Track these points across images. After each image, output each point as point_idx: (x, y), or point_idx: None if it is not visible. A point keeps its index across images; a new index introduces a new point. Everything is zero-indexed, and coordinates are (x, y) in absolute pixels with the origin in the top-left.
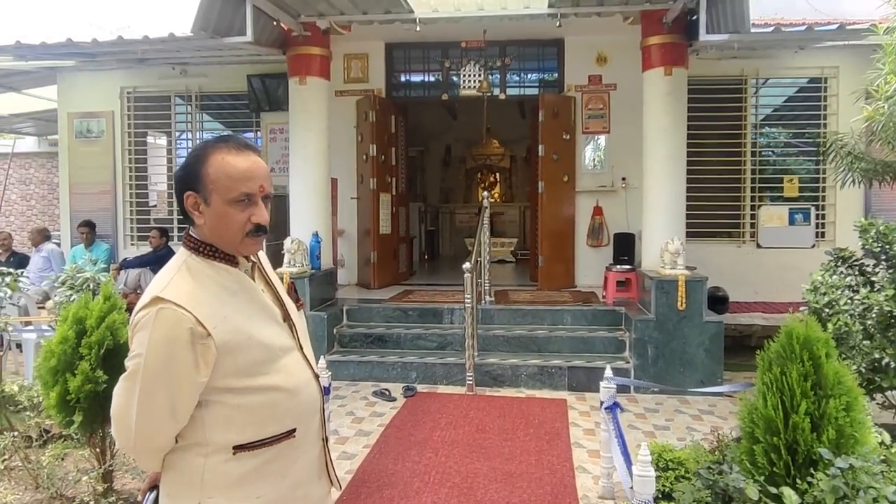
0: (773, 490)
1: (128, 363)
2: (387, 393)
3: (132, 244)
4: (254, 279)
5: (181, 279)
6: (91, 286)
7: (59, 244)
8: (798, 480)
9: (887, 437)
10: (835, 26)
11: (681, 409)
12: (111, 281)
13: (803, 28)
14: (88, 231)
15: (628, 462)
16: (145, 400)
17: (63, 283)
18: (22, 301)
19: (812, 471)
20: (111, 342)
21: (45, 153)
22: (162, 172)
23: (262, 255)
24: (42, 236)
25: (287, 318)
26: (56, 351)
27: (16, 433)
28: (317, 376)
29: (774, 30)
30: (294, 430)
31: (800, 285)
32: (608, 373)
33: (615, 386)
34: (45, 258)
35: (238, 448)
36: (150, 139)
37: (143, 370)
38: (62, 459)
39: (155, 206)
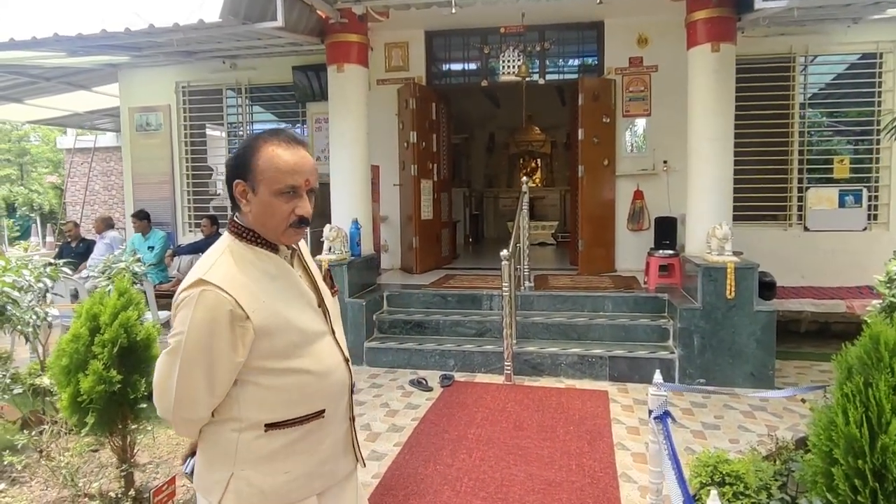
0: None
1: (170, 339)
2: (424, 382)
3: (190, 231)
4: (292, 265)
5: (224, 263)
6: (128, 276)
7: (123, 230)
8: None
9: None
10: None
11: (730, 404)
12: (128, 276)
13: None
14: (139, 221)
15: (683, 486)
16: (184, 375)
17: (102, 273)
18: (74, 288)
19: None
20: (125, 340)
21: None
22: (222, 163)
23: (302, 241)
24: (105, 224)
25: (322, 303)
26: (67, 350)
27: (45, 426)
28: (347, 359)
29: None
30: (323, 411)
31: (850, 270)
32: (657, 378)
33: (667, 394)
34: (107, 245)
35: (269, 426)
36: (208, 131)
37: (184, 348)
38: (95, 451)
39: (219, 194)
